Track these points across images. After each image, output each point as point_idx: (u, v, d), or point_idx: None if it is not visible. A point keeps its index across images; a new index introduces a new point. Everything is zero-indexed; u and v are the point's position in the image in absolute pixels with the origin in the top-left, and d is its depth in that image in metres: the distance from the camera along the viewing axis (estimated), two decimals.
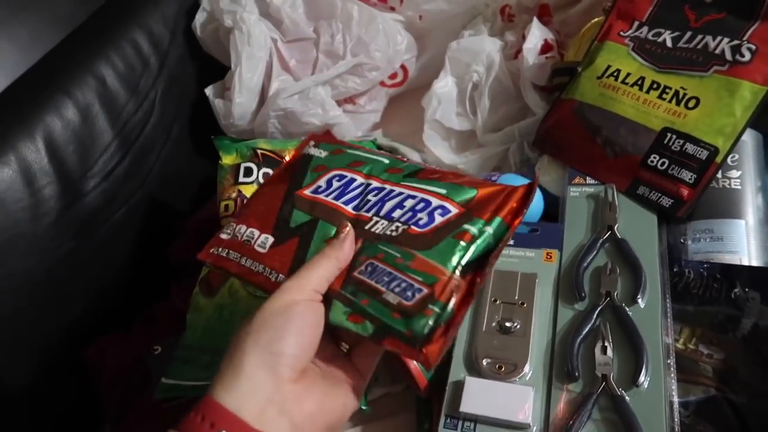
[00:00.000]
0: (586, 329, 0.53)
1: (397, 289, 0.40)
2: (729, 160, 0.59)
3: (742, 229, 0.57)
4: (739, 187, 0.59)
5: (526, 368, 0.52)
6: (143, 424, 0.61)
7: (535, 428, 0.49)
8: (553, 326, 0.55)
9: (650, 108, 0.63)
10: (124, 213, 0.77)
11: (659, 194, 0.60)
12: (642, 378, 0.49)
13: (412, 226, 0.43)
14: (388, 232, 0.43)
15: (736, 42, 0.61)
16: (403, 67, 0.89)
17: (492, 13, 0.85)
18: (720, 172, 0.59)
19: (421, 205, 0.44)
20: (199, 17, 0.90)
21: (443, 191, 0.45)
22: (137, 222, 0.79)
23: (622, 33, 0.69)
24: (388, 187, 0.46)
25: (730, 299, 0.53)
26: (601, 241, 0.59)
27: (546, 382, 0.51)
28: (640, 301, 0.54)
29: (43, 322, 0.69)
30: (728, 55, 0.61)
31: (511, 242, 0.61)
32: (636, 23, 0.69)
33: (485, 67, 0.80)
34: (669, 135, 0.61)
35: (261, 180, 0.66)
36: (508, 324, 0.55)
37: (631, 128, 0.63)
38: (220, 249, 0.47)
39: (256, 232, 0.47)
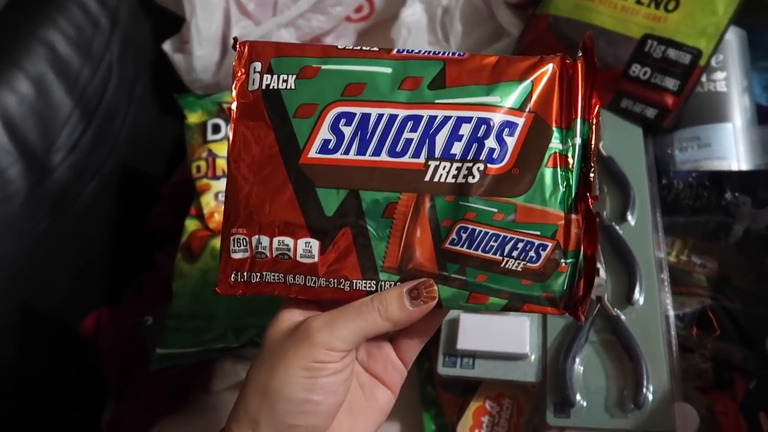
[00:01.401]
0: None
1: (515, 253, 0.34)
2: (713, 61, 0.57)
3: (729, 132, 0.55)
4: (724, 90, 0.57)
5: None
6: (147, 395, 0.61)
7: (533, 357, 0.49)
8: None
9: (629, 15, 0.59)
10: (97, 184, 0.74)
11: (643, 105, 0.58)
12: (636, 296, 0.48)
13: (488, 165, 0.34)
14: (462, 180, 0.34)
15: None
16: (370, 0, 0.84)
17: None
18: (704, 75, 0.57)
19: (483, 128, 0.34)
20: None
21: (496, 98, 0.34)
22: (112, 192, 0.76)
23: None
24: (422, 112, 0.35)
25: (720, 206, 0.52)
26: None
27: None
28: (629, 218, 0.53)
29: (30, 303, 0.68)
30: None
31: None
32: None
33: None
34: (650, 42, 0.58)
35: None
36: None
37: (610, 39, 0.60)
38: (245, 274, 0.36)
39: (290, 241, 0.36)
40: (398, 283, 0.34)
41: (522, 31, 0.69)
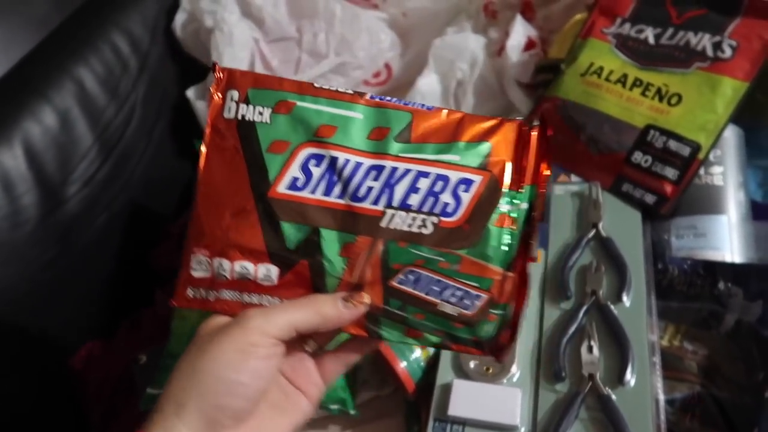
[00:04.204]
0: (573, 329, 0.53)
1: (453, 300, 0.37)
2: (711, 156, 0.60)
3: (724, 224, 0.57)
4: (721, 183, 0.59)
5: (514, 369, 0.52)
6: None
7: (523, 429, 0.49)
8: (540, 326, 0.55)
9: (633, 105, 0.63)
10: (107, 219, 0.76)
11: (643, 191, 0.60)
12: (628, 376, 0.49)
13: (442, 218, 0.37)
14: (416, 230, 0.37)
15: (717, 38, 0.61)
16: (386, 65, 0.88)
17: (475, 9, 0.84)
18: (702, 168, 0.59)
19: (440, 184, 0.37)
20: (179, 17, 0.89)
21: (455, 157, 0.37)
22: (120, 228, 0.78)
23: (604, 30, 0.69)
24: (385, 163, 0.37)
25: (713, 295, 0.53)
26: (586, 239, 0.59)
27: (533, 382, 0.52)
28: (625, 299, 0.54)
29: (27, 330, 0.68)
30: (709, 52, 0.61)
31: None
32: (618, 19, 0.69)
33: (469, 65, 0.79)
34: (652, 132, 0.61)
35: None
36: None
37: (615, 125, 0.63)
38: (202, 291, 0.38)
39: (250, 266, 0.38)
40: None
41: (532, 110, 0.72)
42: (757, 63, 0.59)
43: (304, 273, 0.38)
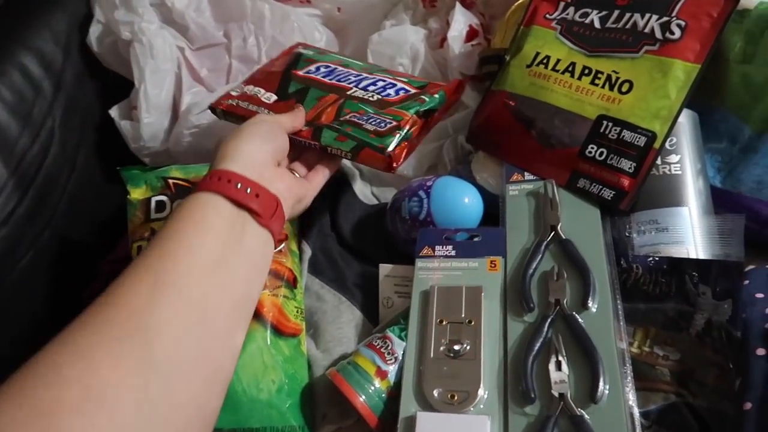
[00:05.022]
0: (538, 344, 0.50)
1: (373, 122, 0.60)
2: (667, 144, 0.57)
3: (686, 216, 0.55)
4: (679, 172, 0.57)
5: (480, 393, 0.49)
6: None
7: None
8: (504, 343, 0.52)
9: (584, 95, 0.59)
10: (31, 259, 0.69)
11: (600, 186, 0.57)
12: (600, 393, 0.46)
13: (384, 96, 0.63)
14: (367, 97, 0.63)
15: (665, 19, 0.58)
16: None
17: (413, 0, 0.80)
18: (659, 158, 0.57)
19: (390, 85, 0.65)
20: (94, 30, 0.81)
21: (405, 79, 0.67)
22: (48, 266, 0.71)
23: (548, 15, 0.65)
24: (364, 74, 0.67)
25: (681, 294, 0.51)
26: (545, 243, 0.56)
27: (502, 407, 0.48)
28: (590, 305, 0.51)
29: None
30: (658, 34, 0.58)
31: (453, 253, 0.58)
32: (562, 4, 0.65)
33: (410, 59, 0.75)
34: (605, 123, 0.58)
35: None
36: (456, 347, 0.51)
37: (566, 118, 0.60)
38: (230, 101, 0.65)
39: (263, 90, 0.66)
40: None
41: (478, 105, 0.68)
42: (708, 43, 0.56)
43: (290, 104, 0.63)
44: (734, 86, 0.58)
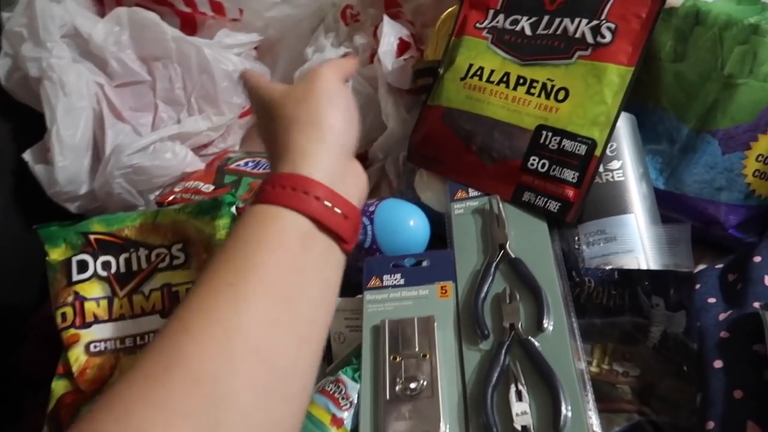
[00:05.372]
0: (497, 373, 0.48)
1: None
2: (608, 150, 0.56)
3: (633, 223, 0.54)
4: (622, 179, 0.56)
5: (442, 427, 0.47)
6: None
7: None
8: (462, 375, 0.50)
9: (521, 106, 0.58)
10: None
11: (545, 199, 0.56)
12: (562, 421, 0.44)
13: None
14: None
15: (595, 22, 0.57)
16: None
17: (333, 19, 0.77)
18: (601, 165, 0.55)
19: None
20: (2, 65, 0.75)
21: None
22: None
23: (478, 25, 0.63)
24: None
25: (635, 307, 0.50)
26: (494, 264, 0.54)
27: None
28: (546, 325, 0.49)
29: None
30: (589, 38, 0.57)
31: (401, 281, 0.55)
32: (491, 11, 0.63)
33: None
34: (544, 133, 0.56)
35: (100, 272, 0.55)
36: (413, 385, 0.49)
37: (505, 131, 0.58)
38: (172, 196, 0.70)
39: (201, 183, 0.71)
40: None
41: (417, 120, 0.66)
42: (639, 44, 0.55)
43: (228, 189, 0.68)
44: (668, 85, 0.58)
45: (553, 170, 0.55)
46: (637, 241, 0.53)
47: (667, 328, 0.47)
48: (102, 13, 0.78)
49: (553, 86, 0.57)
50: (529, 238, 0.55)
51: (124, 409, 0.29)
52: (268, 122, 0.45)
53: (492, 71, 0.60)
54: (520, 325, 0.50)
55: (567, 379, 0.46)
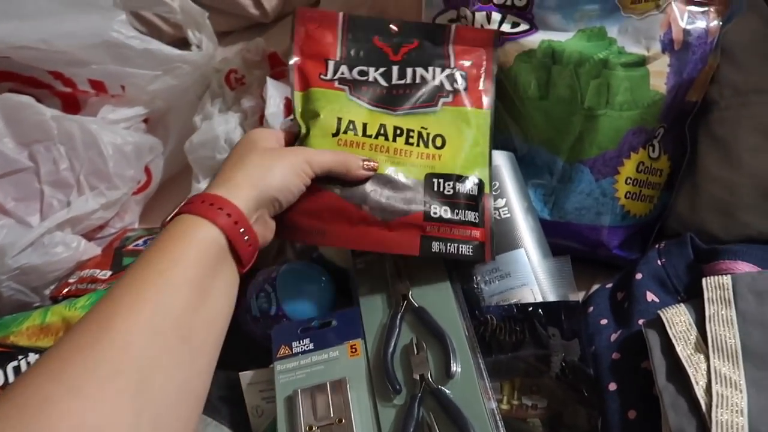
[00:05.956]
0: (412, 428, 0.48)
1: None
2: (492, 189, 0.58)
3: (524, 257, 0.56)
4: (508, 215, 0.58)
5: None
6: None
7: None
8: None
9: (405, 157, 0.57)
10: None
11: (456, 245, 0.54)
12: None
13: None
14: None
15: (448, 71, 0.60)
16: (147, 170, 0.78)
17: (218, 85, 0.77)
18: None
19: None
20: None
21: None
22: None
23: (323, 77, 0.60)
24: None
25: (534, 339, 0.51)
26: (399, 316, 0.54)
27: None
28: (454, 369, 0.50)
29: None
30: (447, 85, 0.59)
31: (311, 346, 0.55)
32: (331, 63, 0.61)
33: (228, 151, 0.72)
34: (435, 181, 0.56)
35: None
36: None
37: (396, 185, 0.56)
38: (68, 288, 0.67)
39: (98, 270, 0.68)
40: None
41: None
42: (488, 88, 0.58)
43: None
44: (539, 123, 0.61)
45: (457, 213, 0.55)
46: (530, 275, 0.55)
47: (566, 357, 0.49)
48: None
49: (428, 134, 0.57)
50: (430, 285, 0.56)
51: (59, 369, 0.35)
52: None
53: (365, 124, 0.58)
54: (429, 375, 0.50)
55: (479, 422, 0.47)
